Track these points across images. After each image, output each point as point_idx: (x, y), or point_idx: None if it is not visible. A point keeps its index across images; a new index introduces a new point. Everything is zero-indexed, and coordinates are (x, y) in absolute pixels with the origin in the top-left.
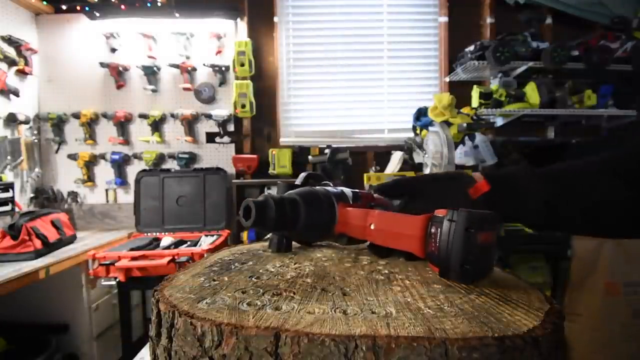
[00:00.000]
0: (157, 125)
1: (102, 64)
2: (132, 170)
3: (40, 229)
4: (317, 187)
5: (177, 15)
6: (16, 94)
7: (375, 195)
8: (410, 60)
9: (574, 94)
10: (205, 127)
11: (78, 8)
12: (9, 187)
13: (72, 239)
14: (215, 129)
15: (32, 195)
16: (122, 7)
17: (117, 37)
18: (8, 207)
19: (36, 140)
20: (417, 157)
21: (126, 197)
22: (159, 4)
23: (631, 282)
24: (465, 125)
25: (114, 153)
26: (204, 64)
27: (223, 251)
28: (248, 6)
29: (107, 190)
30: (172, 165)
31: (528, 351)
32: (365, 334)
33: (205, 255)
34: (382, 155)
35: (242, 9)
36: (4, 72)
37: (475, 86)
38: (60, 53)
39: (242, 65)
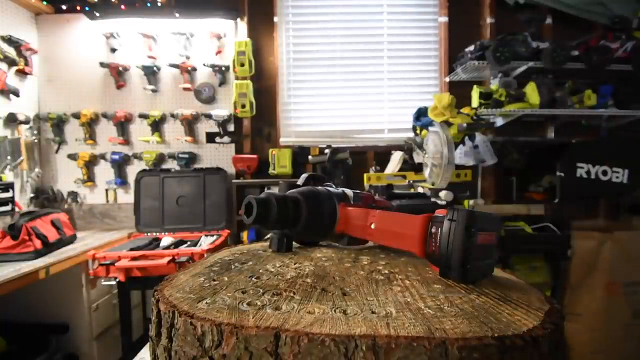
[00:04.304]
0: (157, 125)
1: (102, 64)
2: (132, 170)
3: (40, 229)
4: (319, 187)
5: (177, 15)
6: (16, 94)
7: (376, 196)
8: (410, 60)
9: (574, 94)
10: (205, 127)
11: (78, 8)
12: (9, 187)
13: (72, 239)
14: (215, 129)
15: (32, 195)
16: (122, 7)
17: (117, 37)
18: (8, 207)
19: (36, 140)
20: (417, 157)
21: (126, 197)
22: (159, 4)
23: (631, 282)
24: (465, 125)
25: (114, 153)
26: (204, 64)
27: (223, 251)
28: (248, 6)
29: (107, 190)
30: (172, 165)
31: (528, 351)
32: (365, 334)
33: (205, 255)
34: (382, 155)
35: (242, 9)
36: (4, 72)
37: (475, 86)
38: (60, 53)
39: (242, 65)
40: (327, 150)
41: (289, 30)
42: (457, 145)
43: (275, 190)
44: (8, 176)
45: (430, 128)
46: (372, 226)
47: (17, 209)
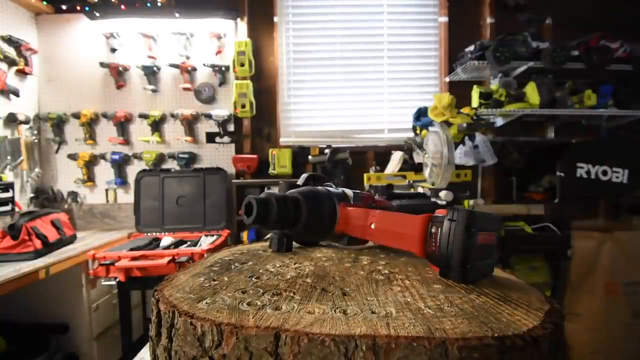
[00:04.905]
0: (157, 125)
1: (102, 64)
2: (132, 170)
3: (40, 229)
4: (319, 187)
5: (177, 15)
6: (16, 94)
7: (376, 196)
8: (410, 60)
9: (574, 94)
10: (205, 127)
11: (78, 8)
12: (9, 187)
13: (72, 239)
14: (215, 129)
15: (32, 195)
16: (122, 7)
17: (117, 37)
18: (8, 207)
19: (36, 140)
20: (417, 157)
21: (126, 197)
22: (159, 4)
23: (631, 282)
24: (465, 125)
25: (114, 153)
26: (204, 64)
27: (223, 251)
28: (248, 6)
29: (107, 190)
30: (172, 165)
31: (528, 351)
32: (365, 334)
33: (205, 255)
34: (382, 155)
35: (242, 9)
36: (4, 72)
37: (475, 86)
38: (60, 53)
39: (242, 65)
40: (327, 150)
41: (289, 30)
42: (457, 145)
43: (275, 190)
44: (8, 176)
45: (430, 128)
46: (372, 226)
47: (17, 209)
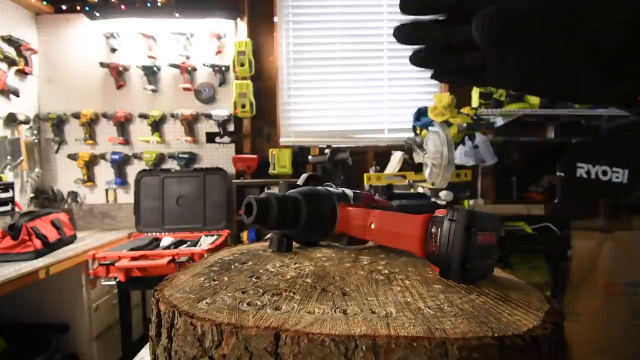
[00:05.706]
0: (157, 125)
1: (102, 64)
2: (132, 170)
3: (40, 229)
4: (319, 187)
5: (177, 15)
6: (16, 94)
7: (376, 196)
8: None
9: None
10: (205, 127)
11: (78, 8)
12: (9, 187)
13: (72, 239)
14: (215, 129)
15: (32, 195)
16: (122, 7)
17: (117, 37)
18: (8, 207)
19: (36, 140)
20: (417, 157)
21: (126, 197)
22: (159, 4)
23: (631, 282)
24: (465, 125)
25: (114, 153)
26: (204, 64)
27: (223, 251)
28: (248, 6)
29: (107, 190)
30: (172, 165)
31: (528, 351)
32: (365, 334)
33: (205, 255)
34: (382, 155)
35: (242, 9)
36: (4, 72)
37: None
38: (60, 53)
39: (242, 65)
40: (327, 150)
41: (289, 30)
42: (457, 145)
43: (275, 190)
44: (8, 176)
45: (430, 128)
46: (372, 226)
47: (17, 209)
